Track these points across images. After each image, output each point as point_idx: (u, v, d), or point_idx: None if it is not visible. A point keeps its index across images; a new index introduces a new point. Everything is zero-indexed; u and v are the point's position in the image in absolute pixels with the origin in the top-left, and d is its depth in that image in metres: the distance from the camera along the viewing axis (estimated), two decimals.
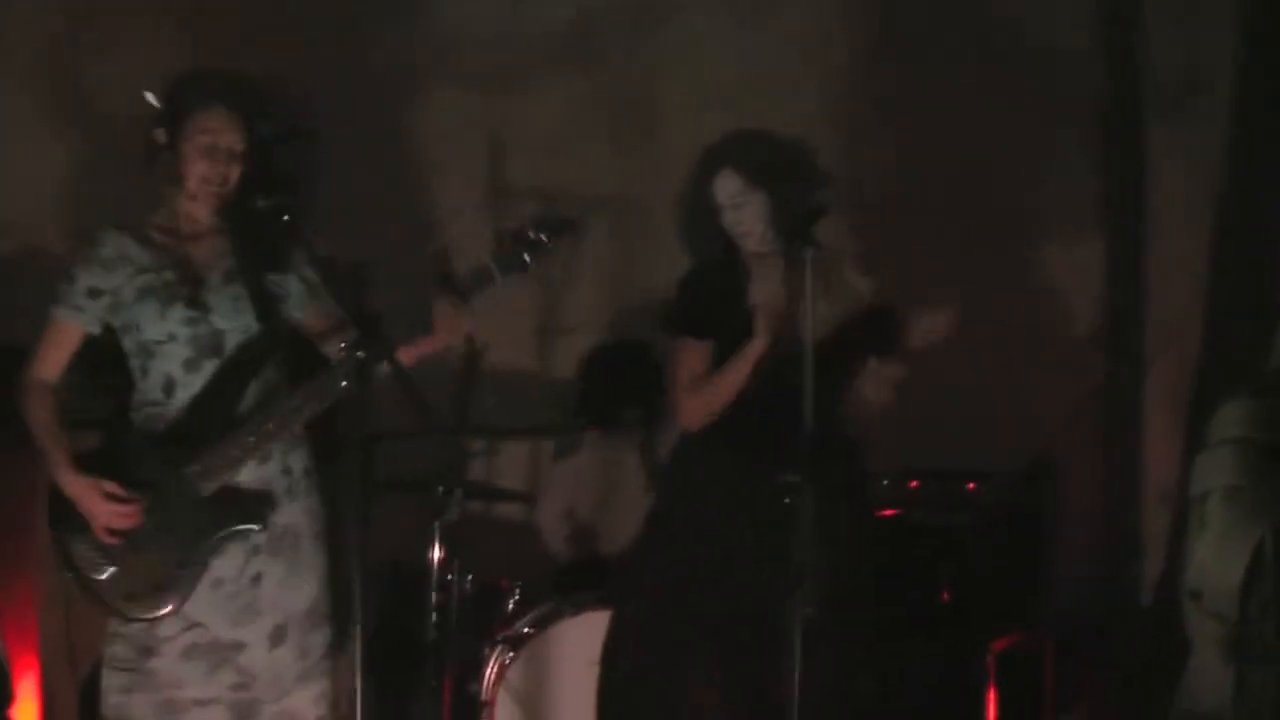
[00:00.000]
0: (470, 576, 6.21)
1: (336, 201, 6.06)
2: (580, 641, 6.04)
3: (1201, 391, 6.29)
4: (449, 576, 6.14)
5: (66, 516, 4.71)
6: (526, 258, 4.73)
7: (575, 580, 6.51)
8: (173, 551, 4.69)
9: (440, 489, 6.11)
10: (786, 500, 4.76)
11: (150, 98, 4.85)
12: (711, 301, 5.11)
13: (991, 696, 6.18)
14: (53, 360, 4.81)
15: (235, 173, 4.75)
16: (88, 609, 4.91)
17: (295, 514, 4.85)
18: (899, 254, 6.03)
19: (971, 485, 6.59)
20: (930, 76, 7.34)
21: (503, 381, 6.85)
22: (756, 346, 5.02)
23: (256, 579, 4.77)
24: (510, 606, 6.46)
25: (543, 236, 4.75)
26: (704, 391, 5.19)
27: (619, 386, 6.80)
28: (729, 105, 6.87)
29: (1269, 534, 4.48)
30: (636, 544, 5.64)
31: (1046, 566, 6.69)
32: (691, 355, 5.25)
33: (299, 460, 4.90)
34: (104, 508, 4.64)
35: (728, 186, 5.15)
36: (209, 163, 4.72)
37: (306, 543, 4.88)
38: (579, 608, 6.21)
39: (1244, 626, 4.53)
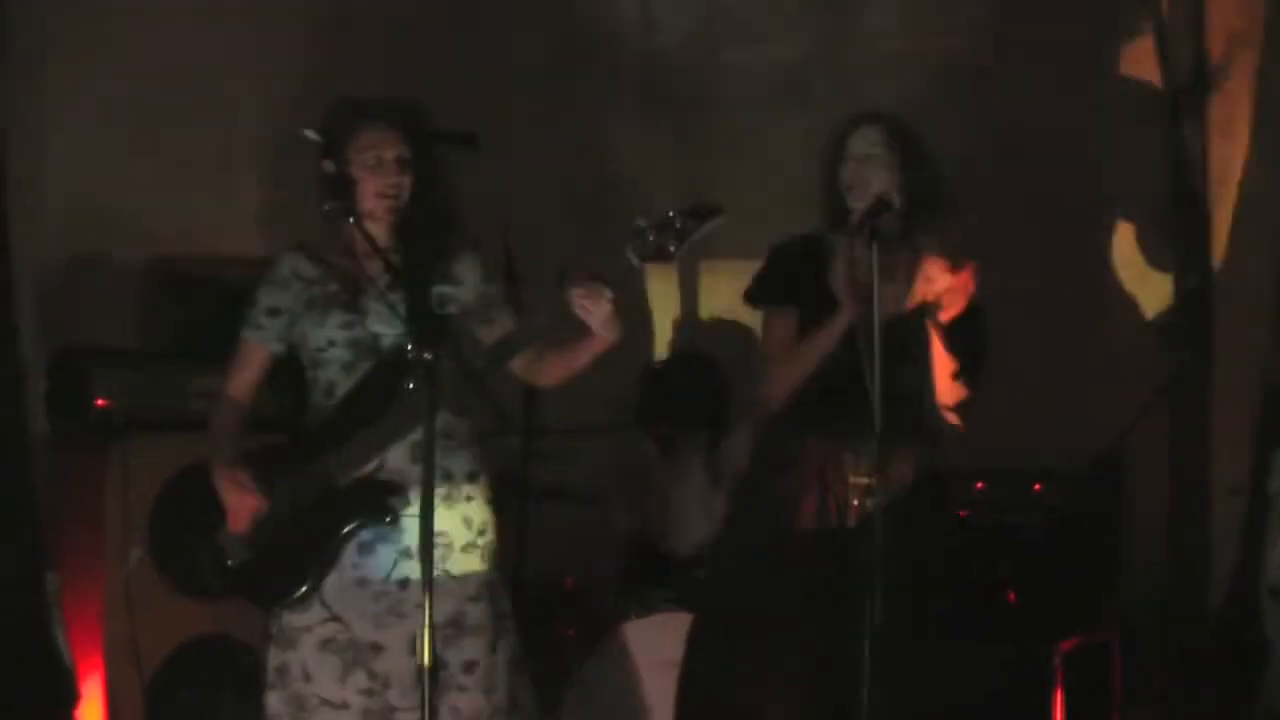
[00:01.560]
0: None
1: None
2: (647, 642, 6.04)
3: (1272, 385, 6.22)
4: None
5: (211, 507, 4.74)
6: (671, 247, 4.50)
7: (642, 580, 6.49)
8: (304, 540, 4.68)
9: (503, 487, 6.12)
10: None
11: (310, 134, 4.89)
12: (798, 273, 5.02)
13: (1059, 697, 6.13)
14: (240, 378, 4.87)
15: (407, 182, 4.75)
16: (160, 608, 4.92)
17: (451, 520, 4.74)
18: (962, 248, 6.01)
19: (1038, 486, 6.55)
20: (989, 68, 7.38)
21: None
22: (839, 321, 4.93)
23: (404, 583, 4.68)
24: (574, 606, 6.48)
25: (689, 223, 4.51)
26: (786, 360, 5.08)
27: (682, 394, 6.82)
28: None
29: None
30: (716, 546, 5.62)
31: (1114, 566, 6.63)
32: (777, 324, 5.17)
33: (461, 464, 4.82)
34: (235, 496, 4.67)
35: (868, 135, 5.03)
36: (380, 177, 4.71)
37: (456, 551, 4.76)
38: (646, 608, 6.21)
39: None
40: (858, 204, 4.95)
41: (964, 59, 7.48)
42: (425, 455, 4.20)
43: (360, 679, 4.65)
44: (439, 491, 4.55)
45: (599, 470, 6.99)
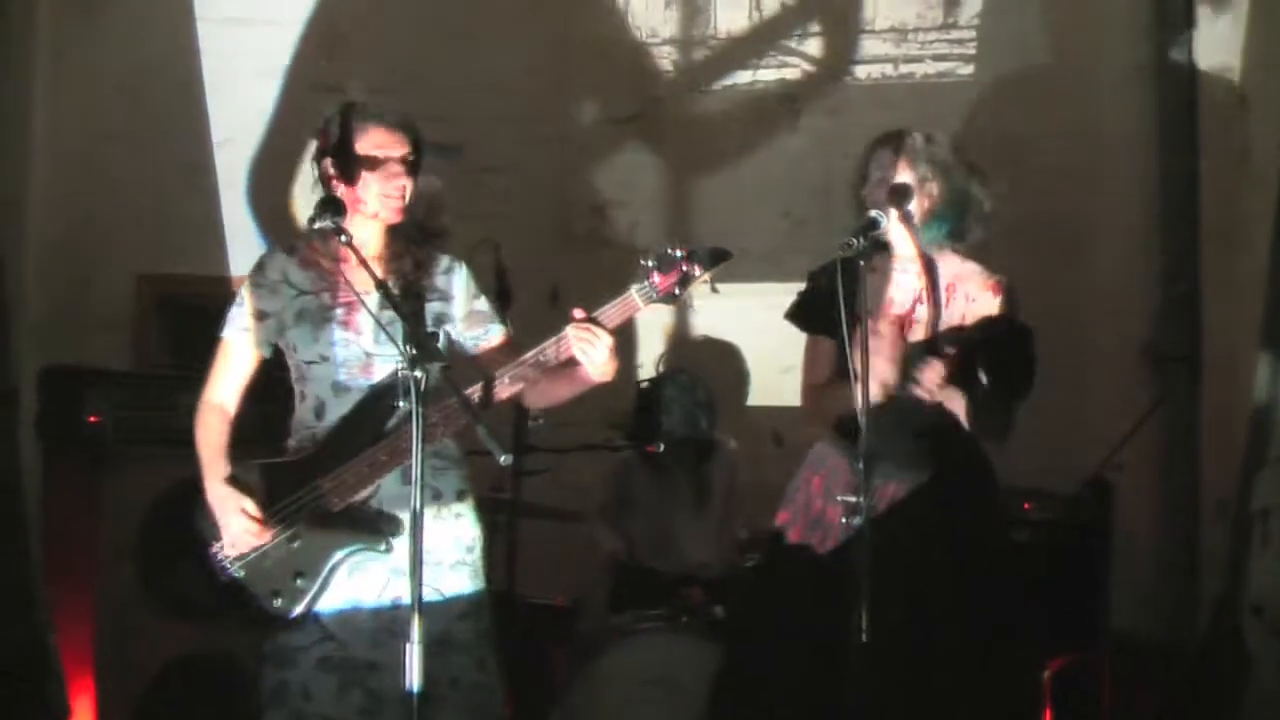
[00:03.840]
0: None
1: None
2: (635, 661, 6.04)
3: (1260, 406, 6.23)
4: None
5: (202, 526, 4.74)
6: (676, 291, 4.55)
7: (630, 598, 6.49)
8: (294, 563, 4.69)
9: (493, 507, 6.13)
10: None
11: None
12: (831, 299, 5.02)
13: (1048, 717, 6.13)
14: (227, 383, 4.85)
15: (411, 183, 4.76)
16: (151, 625, 4.92)
17: (441, 539, 4.75)
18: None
19: (1027, 505, 6.55)
20: (977, 89, 7.43)
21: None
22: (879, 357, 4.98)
23: (395, 605, 4.68)
24: (565, 626, 6.48)
25: (695, 269, 4.53)
26: (819, 400, 5.19)
27: (671, 412, 6.83)
28: None
29: None
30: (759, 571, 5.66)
31: (1103, 585, 6.63)
32: (813, 352, 5.24)
33: (451, 483, 4.84)
34: (237, 521, 4.64)
35: (883, 158, 5.11)
36: (384, 176, 4.72)
37: (446, 570, 4.78)
38: (634, 626, 6.21)
39: None
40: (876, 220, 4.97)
41: (953, 82, 7.51)
42: (415, 472, 4.17)
43: (357, 697, 4.66)
44: (429, 511, 4.57)
45: (589, 489, 6.99)
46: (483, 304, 4.91)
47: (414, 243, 4.79)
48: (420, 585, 4.13)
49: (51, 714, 5.91)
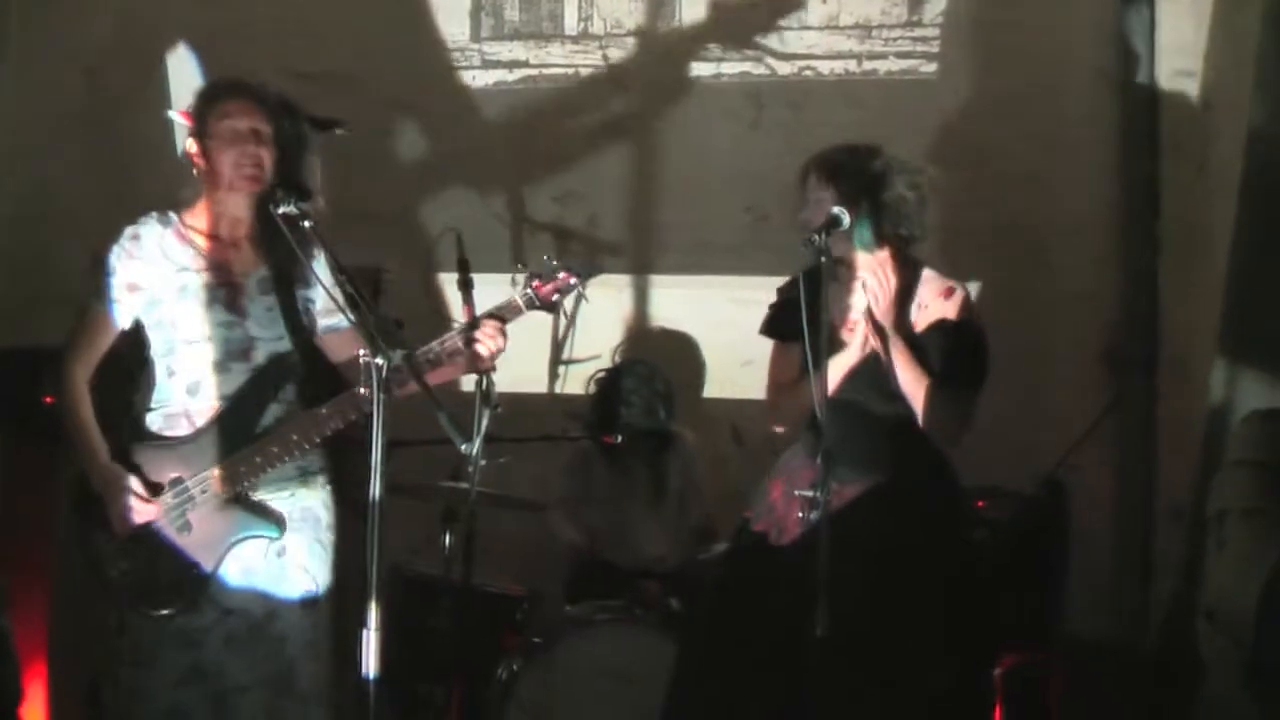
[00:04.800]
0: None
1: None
2: (592, 653, 6.05)
3: (1216, 410, 6.26)
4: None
5: (90, 510, 4.74)
6: (556, 298, 4.88)
7: (586, 589, 6.49)
8: (188, 551, 4.71)
9: (452, 496, 6.12)
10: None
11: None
12: (799, 308, 5.09)
13: (998, 716, 6.14)
14: (87, 352, 4.84)
15: (267, 157, 4.79)
16: (100, 608, 4.90)
17: (312, 501, 4.92)
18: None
19: (981, 503, 6.56)
20: (940, 89, 7.45)
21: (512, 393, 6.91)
22: (842, 359, 5.11)
23: (281, 552, 4.84)
24: (520, 615, 6.47)
25: (573, 281, 4.88)
26: (783, 397, 5.30)
27: (629, 403, 6.84)
28: None
29: None
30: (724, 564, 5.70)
31: (1056, 585, 6.65)
32: (778, 357, 5.39)
33: (315, 461, 4.95)
34: (125, 502, 4.66)
35: (809, 186, 5.21)
36: (238, 148, 4.75)
37: (324, 527, 4.94)
38: (590, 617, 6.21)
39: (1259, 649, 4.51)
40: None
41: (916, 80, 7.52)
42: (375, 459, 4.18)
43: (264, 648, 4.80)
44: (296, 479, 4.86)
45: (547, 480, 6.99)
46: (338, 294, 4.84)
47: (285, 224, 4.73)
48: (375, 572, 4.10)
49: (5, 697, 5.87)
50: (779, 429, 5.40)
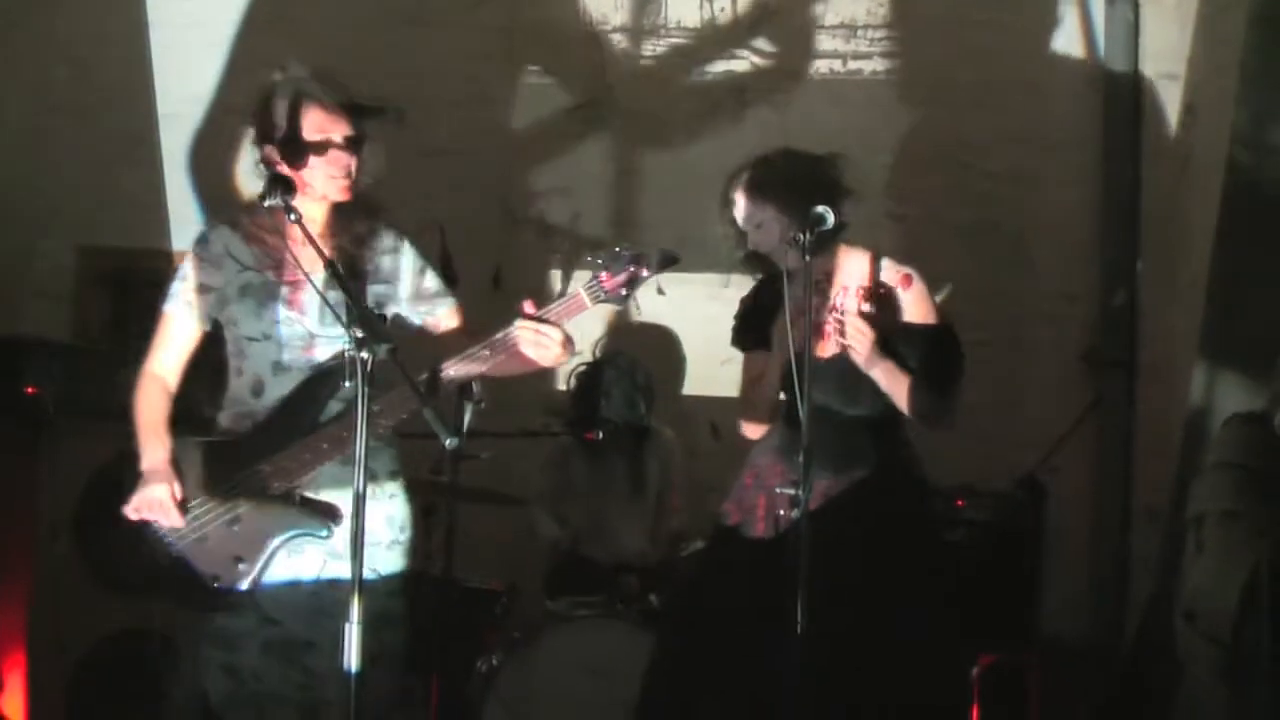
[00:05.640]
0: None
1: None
2: (571, 648, 6.05)
3: (1195, 412, 6.28)
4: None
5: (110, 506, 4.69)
6: (624, 291, 4.58)
7: (566, 585, 6.50)
8: (234, 546, 4.67)
9: (433, 490, 6.13)
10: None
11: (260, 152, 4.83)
12: (761, 316, 5.13)
13: (975, 714, 6.16)
14: (165, 354, 4.81)
15: (356, 161, 4.74)
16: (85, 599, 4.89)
17: (375, 519, 4.69)
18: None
19: (960, 502, 6.58)
20: (922, 88, 7.48)
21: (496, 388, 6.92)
22: (776, 360, 5.13)
23: (332, 583, 4.69)
24: (500, 610, 6.48)
25: (645, 273, 4.57)
26: (746, 403, 5.35)
27: (609, 395, 6.85)
28: None
29: (1265, 559, 4.48)
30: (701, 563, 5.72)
31: (1033, 585, 6.67)
32: (747, 366, 5.41)
33: (384, 463, 4.83)
34: (159, 496, 4.61)
35: (740, 209, 5.27)
36: (330, 159, 4.69)
37: (383, 549, 4.78)
38: (569, 613, 6.22)
39: (1238, 651, 4.52)
40: (777, 259, 5.17)
41: (898, 79, 7.54)
42: (358, 453, 4.14)
43: (296, 674, 4.68)
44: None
45: (528, 474, 6.99)
46: (431, 280, 4.89)
47: (358, 219, 4.76)
48: (361, 565, 4.09)
49: None
50: (751, 434, 5.38)
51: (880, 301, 5.11)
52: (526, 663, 6.08)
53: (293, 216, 4.52)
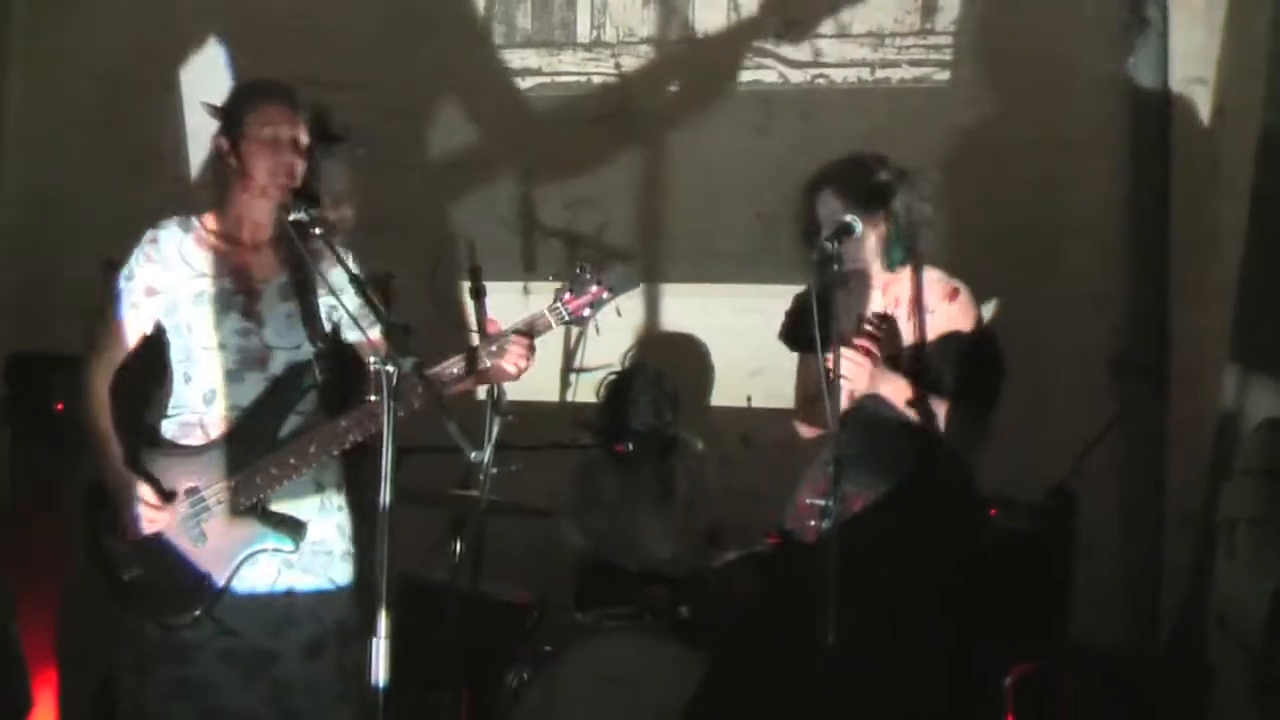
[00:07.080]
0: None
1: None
2: (600, 659, 6.04)
3: (1227, 417, 6.25)
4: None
5: (104, 515, 4.73)
6: (587, 313, 4.76)
7: (595, 596, 6.48)
8: (200, 561, 4.68)
9: (462, 503, 6.12)
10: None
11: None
12: (813, 318, 5.09)
13: None
14: (107, 357, 4.81)
15: (300, 166, 4.76)
16: (109, 613, 4.89)
17: (327, 529, 4.84)
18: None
19: (993, 511, 6.55)
20: (948, 95, 7.45)
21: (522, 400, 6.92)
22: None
23: (289, 593, 4.76)
24: (530, 624, 6.46)
25: (606, 295, 4.75)
26: (808, 408, 5.32)
27: (636, 404, 6.83)
28: None
29: None
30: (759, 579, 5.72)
31: (1065, 593, 6.64)
32: (802, 370, 5.42)
33: (331, 476, 4.89)
34: (134, 509, 4.65)
35: (827, 206, 5.19)
36: (274, 155, 4.72)
37: (337, 560, 4.86)
38: (599, 624, 6.21)
39: (1269, 655, 4.50)
40: (847, 262, 5.09)
41: (929, 87, 7.52)
42: (385, 467, 4.16)
43: (263, 686, 4.72)
44: (312, 502, 4.78)
45: (556, 486, 6.98)
46: (357, 298, 4.78)
47: (311, 232, 4.71)
48: (384, 579, 4.08)
49: (14, 706, 5.88)
50: (806, 434, 5.38)
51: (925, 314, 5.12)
52: (556, 675, 6.06)
53: (318, 230, 4.56)
